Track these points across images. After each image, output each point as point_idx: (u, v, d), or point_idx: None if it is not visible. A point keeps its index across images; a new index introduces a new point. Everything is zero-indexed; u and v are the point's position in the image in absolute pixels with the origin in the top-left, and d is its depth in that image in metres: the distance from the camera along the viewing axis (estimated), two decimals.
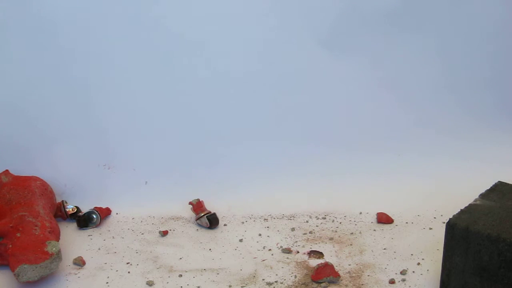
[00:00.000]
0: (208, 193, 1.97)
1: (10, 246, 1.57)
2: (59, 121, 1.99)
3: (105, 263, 1.69)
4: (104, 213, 1.93)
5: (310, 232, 1.85)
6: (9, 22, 1.90)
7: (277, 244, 1.78)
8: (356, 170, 2.06)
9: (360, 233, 1.84)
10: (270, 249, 1.76)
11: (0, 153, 1.95)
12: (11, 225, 1.63)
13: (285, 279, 1.61)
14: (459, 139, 2.10)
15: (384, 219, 1.89)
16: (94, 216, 1.90)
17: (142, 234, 1.86)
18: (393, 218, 1.90)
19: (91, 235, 1.85)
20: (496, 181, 1.62)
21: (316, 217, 1.93)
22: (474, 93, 2.12)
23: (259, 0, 1.97)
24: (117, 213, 1.96)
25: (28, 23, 1.90)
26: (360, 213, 1.95)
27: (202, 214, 1.88)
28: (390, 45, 2.04)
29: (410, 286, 1.57)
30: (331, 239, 1.81)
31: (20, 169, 1.91)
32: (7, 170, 1.87)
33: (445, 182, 2.01)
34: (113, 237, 1.84)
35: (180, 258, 1.72)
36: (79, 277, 1.63)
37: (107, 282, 1.60)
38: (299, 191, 2.01)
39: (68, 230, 1.87)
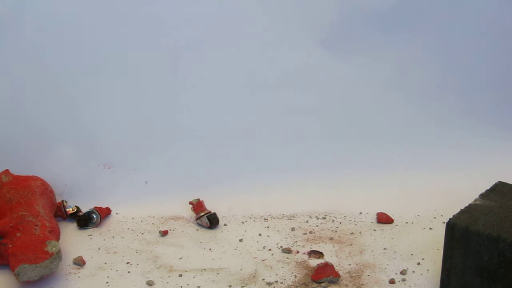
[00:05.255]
0: (208, 193, 1.97)
1: (10, 245, 1.57)
2: (59, 121, 1.99)
3: (105, 263, 1.69)
4: (104, 213, 1.93)
5: (310, 232, 1.84)
6: (9, 22, 1.90)
7: (277, 244, 1.78)
8: (356, 170, 2.06)
9: (360, 233, 1.84)
10: (270, 249, 1.76)
11: (0, 153, 1.95)
12: (11, 224, 1.63)
13: (285, 279, 1.61)
14: (459, 139, 2.10)
15: (384, 219, 1.89)
16: (94, 216, 1.89)
17: (142, 234, 1.86)
18: (393, 218, 1.90)
19: (91, 235, 1.85)
20: (496, 181, 1.62)
21: (316, 217, 1.93)
22: (474, 93, 2.12)
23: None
24: (117, 213, 1.96)
25: (27, 22, 1.90)
26: (360, 213, 1.94)
27: (202, 214, 1.88)
28: (391, 44, 2.04)
29: (410, 286, 1.57)
30: (331, 239, 1.80)
31: (20, 169, 1.90)
32: (7, 170, 1.86)
33: (445, 182, 2.01)
34: (113, 237, 1.84)
35: (180, 258, 1.72)
36: (79, 277, 1.63)
37: (107, 282, 1.60)
38: (299, 191, 2.01)
39: (68, 230, 1.87)
